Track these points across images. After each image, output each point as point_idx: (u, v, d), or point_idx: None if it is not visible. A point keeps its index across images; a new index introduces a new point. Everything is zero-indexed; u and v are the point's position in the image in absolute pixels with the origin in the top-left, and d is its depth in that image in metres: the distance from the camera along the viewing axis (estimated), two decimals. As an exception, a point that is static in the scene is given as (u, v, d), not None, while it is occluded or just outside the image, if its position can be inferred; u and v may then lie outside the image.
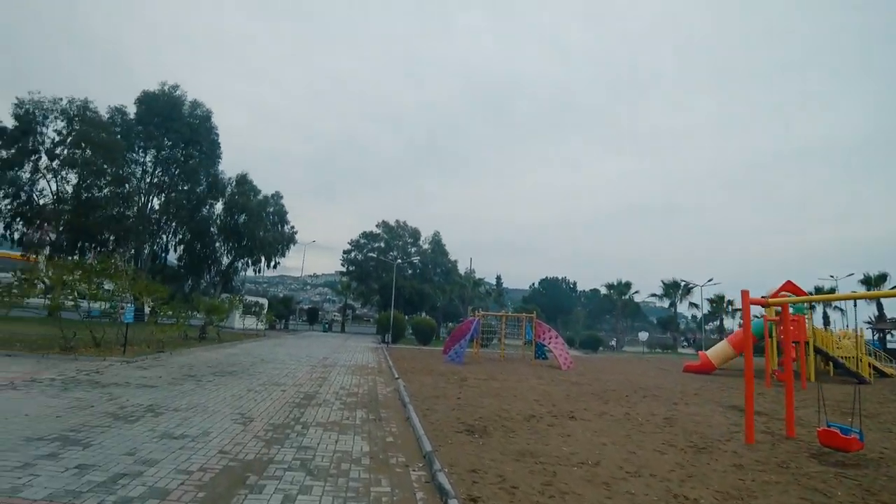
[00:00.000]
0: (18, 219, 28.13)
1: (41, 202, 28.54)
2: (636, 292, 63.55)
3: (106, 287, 15.35)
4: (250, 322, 29.99)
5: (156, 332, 16.17)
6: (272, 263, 41.33)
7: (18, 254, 28.13)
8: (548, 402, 10.66)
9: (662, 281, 60.78)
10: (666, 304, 63.06)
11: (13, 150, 27.60)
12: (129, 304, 14.47)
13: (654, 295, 62.41)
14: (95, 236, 28.85)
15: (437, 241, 68.66)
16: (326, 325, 49.83)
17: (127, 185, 31.62)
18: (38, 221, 28.33)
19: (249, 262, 40.50)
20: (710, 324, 61.01)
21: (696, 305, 60.41)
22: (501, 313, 32.25)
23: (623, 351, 51.02)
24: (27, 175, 28.19)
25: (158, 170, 35.65)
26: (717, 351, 23.38)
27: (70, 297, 13.94)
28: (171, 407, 7.66)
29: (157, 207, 35.09)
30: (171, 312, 18.42)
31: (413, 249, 67.42)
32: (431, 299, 54.44)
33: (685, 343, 67.74)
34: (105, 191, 29.24)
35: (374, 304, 67.54)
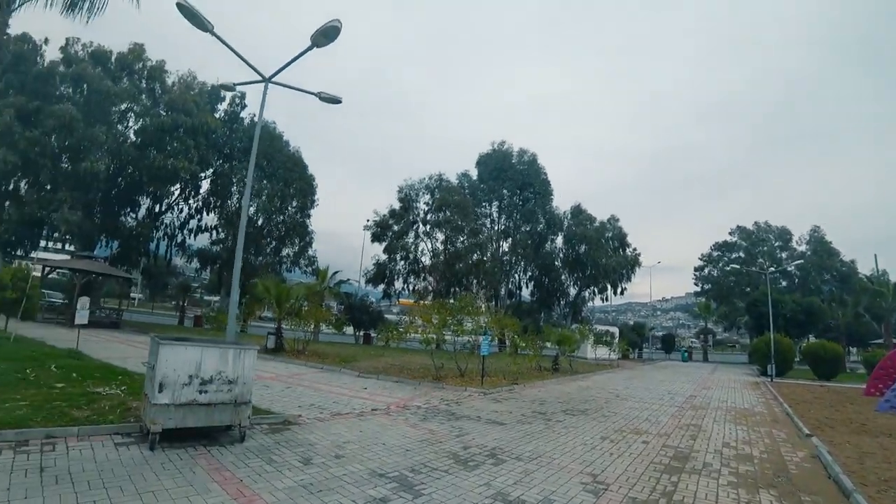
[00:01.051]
0: (410, 275, 35.61)
1: (423, 259, 35.44)
2: None
3: (467, 323, 16.55)
4: (602, 352, 28.63)
5: (511, 364, 16.43)
6: (618, 290, 39.56)
7: (412, 301, 35.12)
8: None
9: None
10: None
11: (401, 224, 35.38)
12: (484, 338, 15.00)
13: None
14: (461, 281, 33.56)
15: (818, 240, 52.64)
16: (685, 354, 43.48)
17: (480, 236, 35.97)
18: (422, 275, 35.24)
19: (595, 290, 39.90)
20: None
21: None
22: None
23: None
24: (411, 240, 35.59)
25: (502, 217, 39.78)
26: None
27: (436, 333, 15.44)
28: (513, 453, 6.52)
29: (506, 250, 38.88)
30: (524, 344, 18.70)
31: (783, 255, 53.65)
32: (823, 316, 41.16)
33: None
34: (464, 243, 33.95)
35: (740, 327, 56.32)
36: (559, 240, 40.68)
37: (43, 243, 30.72)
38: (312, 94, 10.93)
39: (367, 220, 36.79)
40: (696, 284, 56.65)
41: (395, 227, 34.96)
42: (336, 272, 31.53)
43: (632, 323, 53.46)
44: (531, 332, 22.23)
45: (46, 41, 28.45)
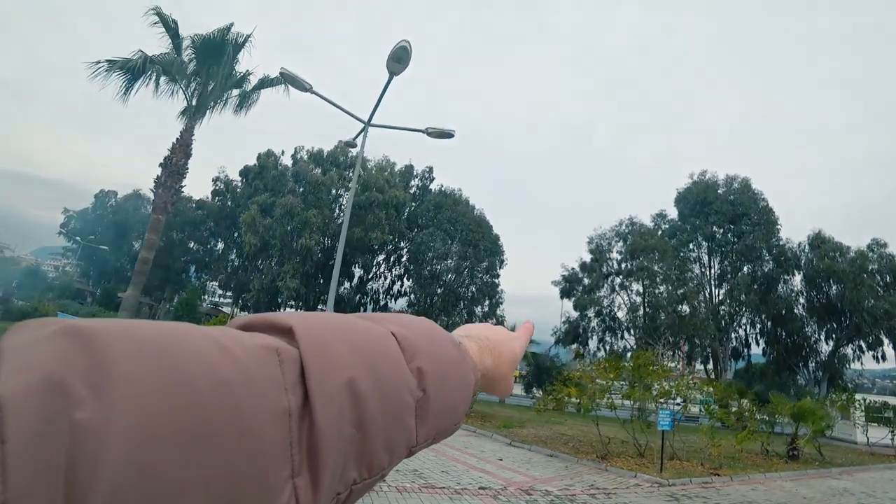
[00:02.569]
0: (606, 332, 32.02)
1: (619, 315, 31.65)
2: None
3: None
4: (877, 434, 20.06)
5: (712, 445, 12.27)
6: None
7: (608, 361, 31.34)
8: None
9: None
10: None
11: (592, 277, 32.54)
12: (667, 408, 11.78)
13: None
14: (665, 338, 28.66)
15: None
16: None
17: (689, 284, 30.59)
18: (619, 332, 31.40)
19: (862, 346, 29.37)
20: None
21: None
22: None
23: None
24: (604, 294, 32.21)
25: (714, 259, 33.39)
26: None
27: (601, 398, 12.82)
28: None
29: (721, 298, 32.18)
30: (731, 418, 13.99)
31: None
32: None
33: None
34: (664, 293, 29.33)
35: None
36: (796, 280, 31.77)
37: (282, 308, 37.26)
38: (420, 131, 10.59)
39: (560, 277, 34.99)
40: None
41: (586, 281, 32.30)
42: (522, 331, 30.28)
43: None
44: (751, 401, 17.02)
45: (283, 152, 36.78)
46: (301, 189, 32.61)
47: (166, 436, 0.25)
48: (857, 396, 22.27)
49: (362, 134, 10.50)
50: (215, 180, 39.95)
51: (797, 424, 16.25)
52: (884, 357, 29.55)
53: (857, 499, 10.40)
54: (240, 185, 38.26)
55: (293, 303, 34.73)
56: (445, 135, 10.44)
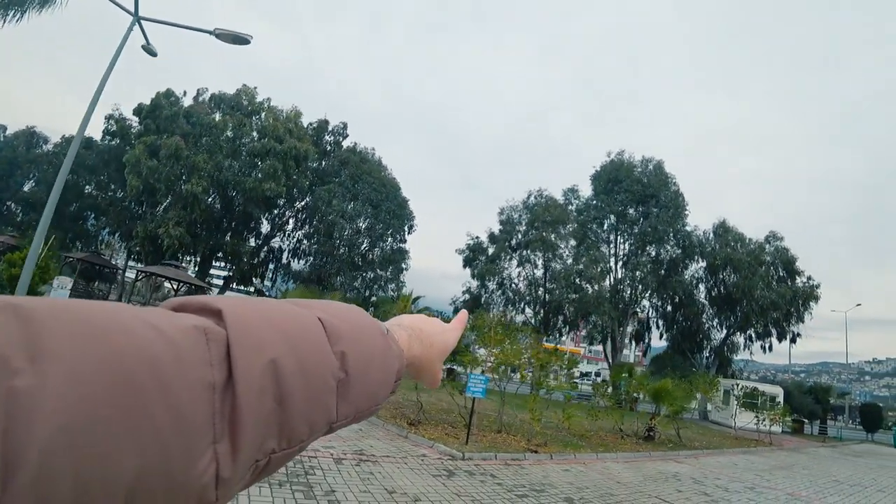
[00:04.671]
0: (508, 305, 31.30)
1: (521, 287, 30.87)
2: None
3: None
4: (746, 419, 20.05)
5: (533, 420, 11.12)
6: (787, 335, 28.95)
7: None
8: None
9: None
10: None
11: (495, 247, 31.95)
12: (478, 373, 10.64)
13: None
14: (564, 313, 28.22)
15: None
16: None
17: (594, 266, 29.99)
18: (519, 305, 30.78)
19: (752, 335, 29.93)
20: None
21: None
22: None
23: None
24: (506, 265, 31.60)
25: (620, 238, 33.05)
26: None
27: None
28: None
29: (620, 278, 31.98)
30: (556, 384, 12.83)
31: None
32: None
33: None
34: (563, 268, 28.78)
35: None
36: (698, 267, 32.02)
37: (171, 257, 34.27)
38: (207, 32, 8.71)
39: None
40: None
41: (490, 251, 31.28)
42: (418, 297, 29.04)
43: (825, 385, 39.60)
44: (615, 380, 16.41)
45: (185, 93, 33.27)
46: (194, 131, 29.66)
47: (96, 402, 0.27)
48: (732, 381, 22.41)
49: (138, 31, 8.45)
50: (108, 118, 35.92)
51: (656, 405, 15.78)
52: (771, 348, 30.40)
53: (679, 485, 9.47)
54: (135, 124, 34.61)
55: (181, 254, 31.95)
56: (239, 40, 8.59)
